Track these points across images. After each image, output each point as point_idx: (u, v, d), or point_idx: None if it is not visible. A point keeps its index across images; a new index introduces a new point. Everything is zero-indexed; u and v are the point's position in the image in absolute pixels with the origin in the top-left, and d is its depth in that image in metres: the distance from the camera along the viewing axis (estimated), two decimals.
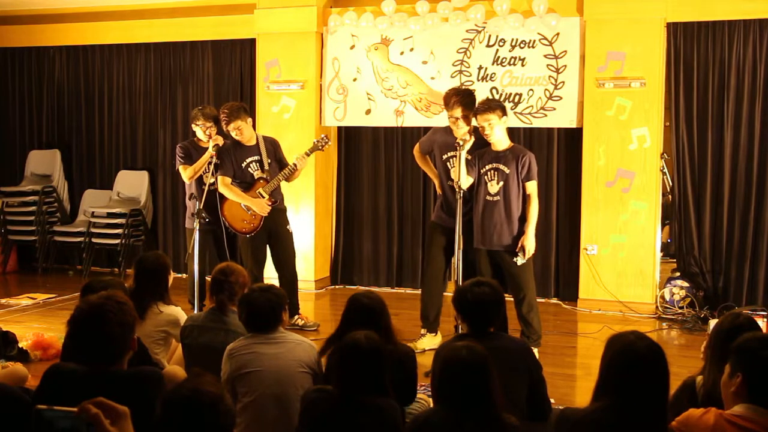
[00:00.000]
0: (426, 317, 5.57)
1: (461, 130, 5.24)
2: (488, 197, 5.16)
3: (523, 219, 5.13)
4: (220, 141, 5.72)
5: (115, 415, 1.51)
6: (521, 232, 5.10)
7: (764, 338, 2.42)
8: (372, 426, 2.80)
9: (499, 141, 5.16)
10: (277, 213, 5.85)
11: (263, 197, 5.79)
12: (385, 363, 2.91)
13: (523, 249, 5.08)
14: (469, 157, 5.20)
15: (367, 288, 7.59)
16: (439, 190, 5.59)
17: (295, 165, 5.77)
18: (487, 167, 5.16)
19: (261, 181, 5.79)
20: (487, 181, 5.16)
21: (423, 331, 5.57)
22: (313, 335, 5.72)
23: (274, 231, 5.87)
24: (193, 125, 6.07)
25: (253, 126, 7.53)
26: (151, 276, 4.18)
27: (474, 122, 5.28)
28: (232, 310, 3.97)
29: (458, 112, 5.24)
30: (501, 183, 5.12)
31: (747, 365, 2.33)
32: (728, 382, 2.38)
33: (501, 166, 5.12)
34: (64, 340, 3.39)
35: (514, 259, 5.10)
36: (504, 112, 5.16)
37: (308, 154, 5.82)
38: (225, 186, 5.73)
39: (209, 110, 6.04)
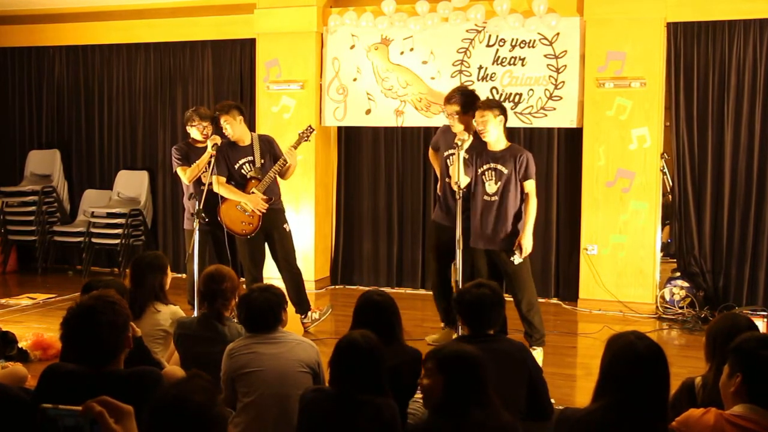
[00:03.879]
0: (440, 314, 5.66)
1: (457, 127, 5.26)
2: (486, 197, 5.16)
3: (521, 218, 5.13)
4: (219, 140, 5.70)
5: (119, 413, 1.51)
6: (516, 231, 5.11)
7: (763, 338, 2.42)
8: (370, 425, 2.79)
9: (496, 141, 5.15)
10: (274, 213, 5.83)
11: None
12: (383, 362, 2.91)
13: (520, 247, 5.06)
14: (467, 156, 5.21)
15: (368, 288, 7.60)
16: (440, 191, 5.61)
17: (285, 160, 5.75)
18: (485, 167, 5.16)
19: (253, 180, 5.77)
20: (485, 180, 5.16)
21: (442, 325, 5.66)
22: (313, 336, 5.72)
23: (272, 231, 5.85)
24: (187, 127, 6.02)
25: (253, 126, 7.60)
26: (148, 276, 4.18)
27: (474, 122, 5.31)
28: (227, 317, 3.96)
29: (453, 107, 5.27)
30: (499, 183, 5.11)
31: (746, 365, 2.32)
32: (727, 382, 2.38)
33: (499, 166, 5.12)
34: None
35: (511, 258, 5.09)
36: (502, 113, 5.14)
37: (295, 147, 5.80)
38: (220, 185, 5.71)
39: (204, 110, 6.02)
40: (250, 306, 3.50)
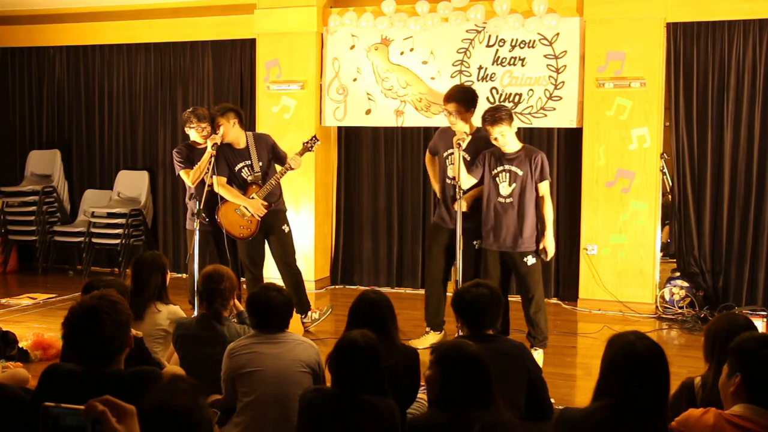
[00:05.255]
0: (428, 317, 5.62)
1: (456, 126, 5.26)
2: (500, 199, 5.14)
3: (535, 219, 5.13)
4: (219, 140, 5.70)
5: (121, 413, 1.52)
6: (533, 232, 5.10)
7: (762, 338, 2.42)
8: (370, 425, 2.80)
9: (511, 144, 5.15)
10: (274, 214, 5.84)
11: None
12: (382, 362, 2.91)
13: (545, 250, 5.08)
14: (468, 157, 5.21)
15: (368, 288, 7.62)
16: (439, 195, 5.60)
17: (290, 166, 5.76)
18: (498, 169, 5.14)
19: (254, 186, 5.77)
20: (499, 182, 5.14)
21: (427, 329, 5.60)
22: (313, 336, 5.72)
23: (271, 232, 5.87)
24: (186, 128, 6.00)
25: (254, 126, 7.60)
26: (148, 275, 4.18)
27: (474, 122, 5.31)
28: (226, 317, 3.97)
29: (451, 106, 5.27)
30: (514, 185, 5.09)
31: (745, 365, 2.33)
32: (727, 382, 2.38)
33: (514, 168, 5.10)
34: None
35: (524, 259, 5.10)
36: (512, 118, 5.14)
37: (300, 155, 5.80)
38: (221, 186, 5.72)
39: (201, 111, 5.98)
40: (267, 305, 3.49)
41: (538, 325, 5.19)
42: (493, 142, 5.09)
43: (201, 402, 1.93)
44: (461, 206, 5.01)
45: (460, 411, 2.54)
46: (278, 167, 5.82)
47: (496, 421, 2.54)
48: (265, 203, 5.74)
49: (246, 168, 5.80)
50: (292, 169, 5.76)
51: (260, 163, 5.80)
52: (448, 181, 5.42)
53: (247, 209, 5.73)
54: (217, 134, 5.69)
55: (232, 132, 5.74)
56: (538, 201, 5.15)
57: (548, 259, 5.15)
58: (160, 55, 8.47)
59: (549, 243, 5.10)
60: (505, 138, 5.06)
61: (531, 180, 5.09)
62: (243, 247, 5.88)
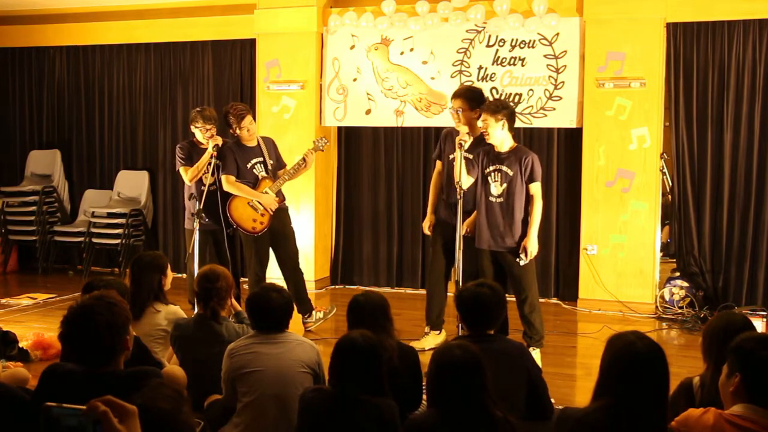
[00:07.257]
0: (429, 316, 5.60)
1: (462, 128, 5.26)
2: (491, 198, 5.14)
3: (526, 220, 5.12)
4: (220, 141, 5.72)
5: (123, 413, 1.52)
6: (524, 233, 5.09)
7: (762, 338, 2.42)
8: (370, 425, 2.80)
9: (502, 142, 5.13)
10: (282, 212, 5.87)
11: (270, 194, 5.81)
12: (382, 362, 2.92)
13: (525, 250, 5.06)
14: (471, 156, 5.21)
15: (367, 288, 7.62)
16: (432, 201, 5.62)
17: (303, 160, 5.79)
18: (491, 168, 5.14)
19: (266, 180, 5.81)
20: (491, 182, 5.14)
21: (426, 329, 5.60)
22: (313, 336, 5.72)
23: (278, 230, 5.87)
24: (192, 127, 6.03)
25: None
26: (148, 276, 4.18)
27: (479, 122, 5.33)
28: (224, 317, 3.97)
29: (456, 103, 5.28)
30: (504, 184, 5.09)
31: (745, 365, 2.33)
32: (726, 382, 2.38)
33: (504, 168, 5.10)
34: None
35: (517, 260, 5.09)
36: (505, 116, 5.06)
37: (314, 151, 5.86)
38: (230, 184, 5.73)
39: (209, 112, 6.01)
40: (267, 305, 3.49)
41: (533, 324, 5.19)
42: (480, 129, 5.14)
43: (184, 408, 1.93)
44: (463, 229, 5.03)
45: (453, 412, 2.55)
46: (287, 165, 5.88)
47: (489, 423, 2.55)
48: (278, 198, 5.77)
49: (259, 164, 5.84)
50: (305, 163, 5.78)
51: (271, 161, 5.85)
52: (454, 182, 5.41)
53: (259, 203, 5.74)
54: (240, 132, 5.75)
55: (255, 129, 5.88)
56: (528, 201, 5.14)
57: (528, 259, 5.06)
58: (160, 55, 8.47)
59: (531, 243, 5.04)
60: (487, 129, 5.06)
61: (521, 180, 5.08)
62: (250, 247, 5.86)
